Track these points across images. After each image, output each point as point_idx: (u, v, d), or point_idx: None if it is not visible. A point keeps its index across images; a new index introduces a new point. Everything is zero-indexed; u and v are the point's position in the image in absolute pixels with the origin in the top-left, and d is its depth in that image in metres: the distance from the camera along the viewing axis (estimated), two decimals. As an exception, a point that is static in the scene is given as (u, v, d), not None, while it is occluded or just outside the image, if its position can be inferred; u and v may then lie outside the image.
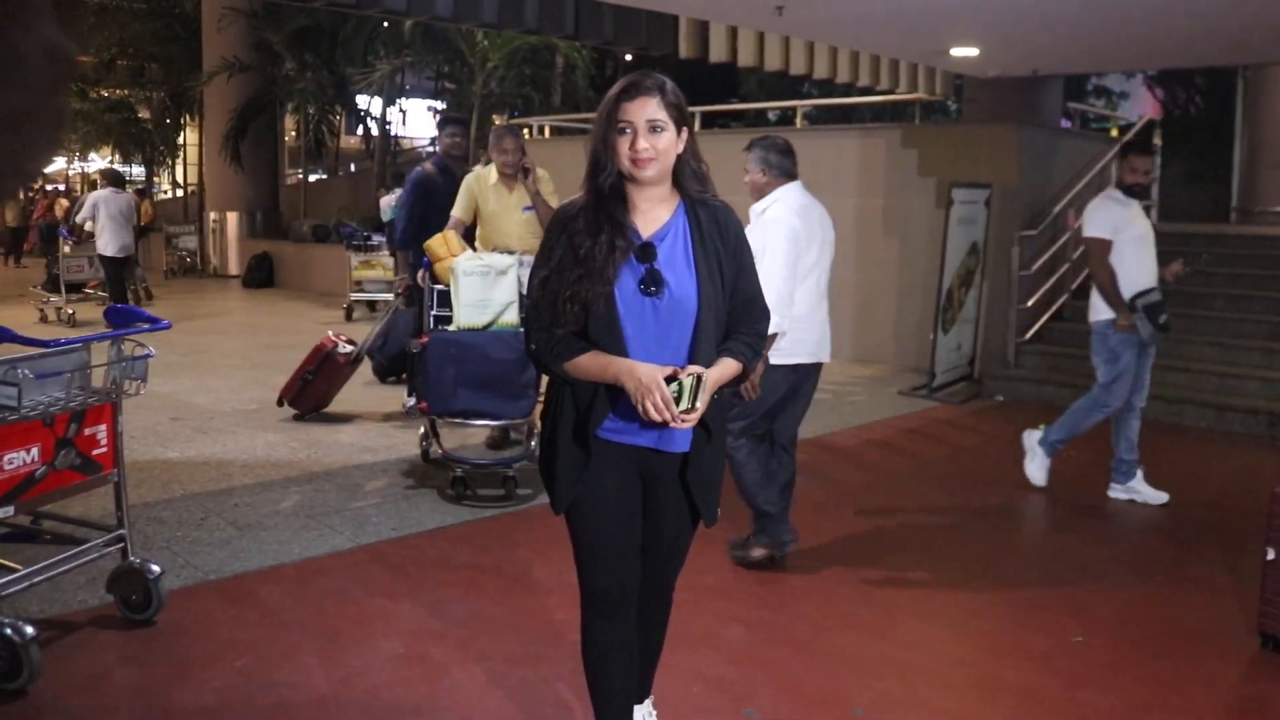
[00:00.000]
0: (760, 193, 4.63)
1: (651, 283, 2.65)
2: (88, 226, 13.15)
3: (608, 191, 2.68)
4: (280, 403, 7.66)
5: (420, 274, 6.01)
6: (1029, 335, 9.66)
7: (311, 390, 7.57)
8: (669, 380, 2.54)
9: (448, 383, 5.40)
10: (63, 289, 13.37)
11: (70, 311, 13.11)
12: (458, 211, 6.21)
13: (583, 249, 2.63)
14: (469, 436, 6.85)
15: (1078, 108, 16.86)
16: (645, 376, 2.54)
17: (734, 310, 2.75)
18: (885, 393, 9.32)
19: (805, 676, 3.83)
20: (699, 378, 2.55)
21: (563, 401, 2.74)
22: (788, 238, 4.43)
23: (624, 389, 2.59)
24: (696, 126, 13.41)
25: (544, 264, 2.71)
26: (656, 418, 2.53)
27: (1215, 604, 4.59)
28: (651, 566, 2.90)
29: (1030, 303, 9.55)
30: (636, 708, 3.08)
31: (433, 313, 5.81)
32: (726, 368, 2.68)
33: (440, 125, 9.71)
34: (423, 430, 6.24)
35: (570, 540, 2.83)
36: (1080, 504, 6.10)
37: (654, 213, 2.73)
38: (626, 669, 2.92)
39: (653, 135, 2.63)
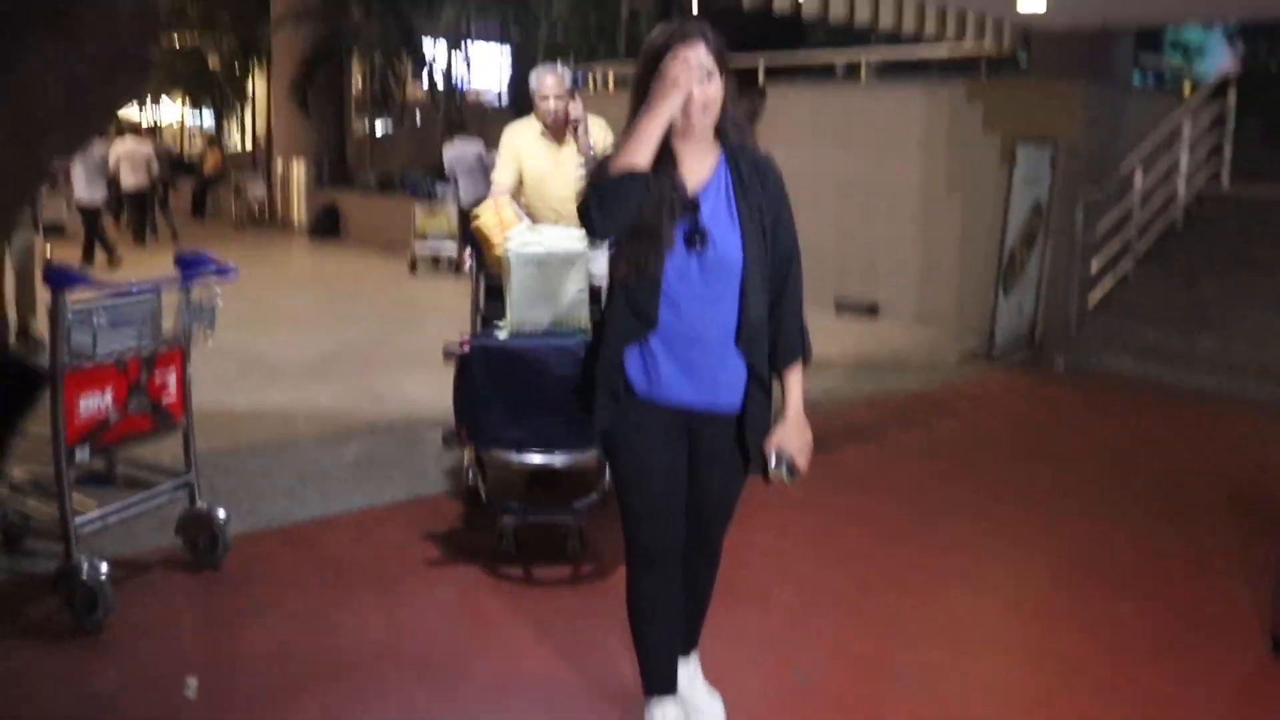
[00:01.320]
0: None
1: (696, 236, 2.63)
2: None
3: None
4: None
5: (466, 253, 4.96)
6: (1093, 303, 9.49)
7: None
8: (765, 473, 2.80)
9: (495, 408, 4.24)
10: (40, 230, 13.73)
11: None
12: (503, 176, 4.93)
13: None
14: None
15: (1151, 63, 16.42)
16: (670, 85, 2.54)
17: (775, 266, 2.72)
18: (945, 355, 9.25)
19: (853, 638, 3.88)
20: (790, 467, 2.77)
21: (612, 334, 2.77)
22: None
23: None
24: (760, 79, 13.33)
25: None
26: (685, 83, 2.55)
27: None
28: (698, 523, 2.90)
29: (1095, 269, 9.38)
30: (682, 660, 3.12)
31: (481, 311, 4.77)
32: (798, 385, 2.79)
33: None
34: (466, 461, 5.02)
35: (617, 499, 2.87)
36: (1149, 477, 6.02)
37: (698, 167, 2.70)
38: (672, 622, 2.95)
39: (703, 83, 2.59)
